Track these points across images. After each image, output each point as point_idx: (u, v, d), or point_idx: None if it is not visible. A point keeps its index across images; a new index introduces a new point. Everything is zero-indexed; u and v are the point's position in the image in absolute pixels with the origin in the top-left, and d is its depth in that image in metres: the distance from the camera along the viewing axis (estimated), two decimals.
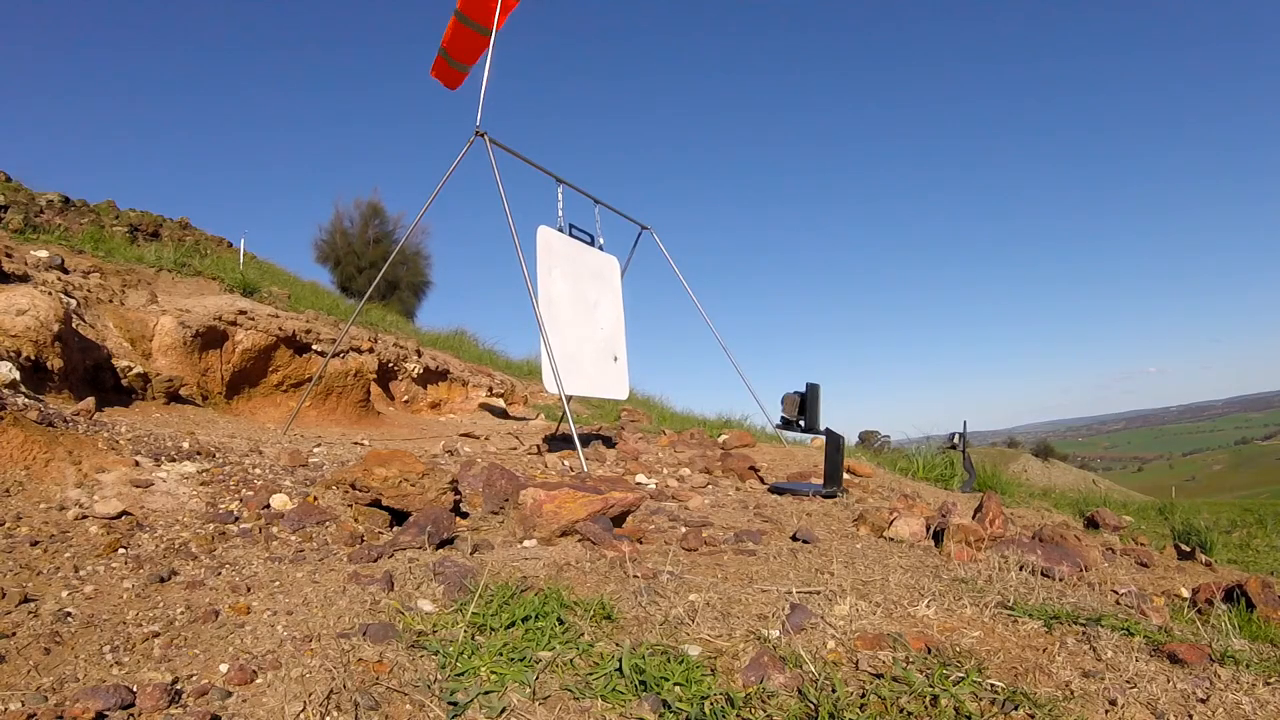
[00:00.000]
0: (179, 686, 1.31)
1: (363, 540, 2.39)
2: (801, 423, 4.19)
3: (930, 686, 1.39)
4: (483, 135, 4.69)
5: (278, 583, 1.90)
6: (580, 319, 5.26)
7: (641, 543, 2.56)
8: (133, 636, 1.51)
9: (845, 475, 4.55)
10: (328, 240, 17.05)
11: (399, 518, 2.64)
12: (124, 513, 2.25)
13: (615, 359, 5.70)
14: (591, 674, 1.44)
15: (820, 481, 4.21)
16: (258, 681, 1.34)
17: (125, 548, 2.04)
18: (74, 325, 4.26)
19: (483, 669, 1.42)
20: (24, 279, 4.59)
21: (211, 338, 5.24)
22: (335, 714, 1.25)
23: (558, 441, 5.58)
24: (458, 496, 2.80)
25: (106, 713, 1.19)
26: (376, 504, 2.64)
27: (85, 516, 2.19)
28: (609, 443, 5.66)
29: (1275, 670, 1.51)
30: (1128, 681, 1.47)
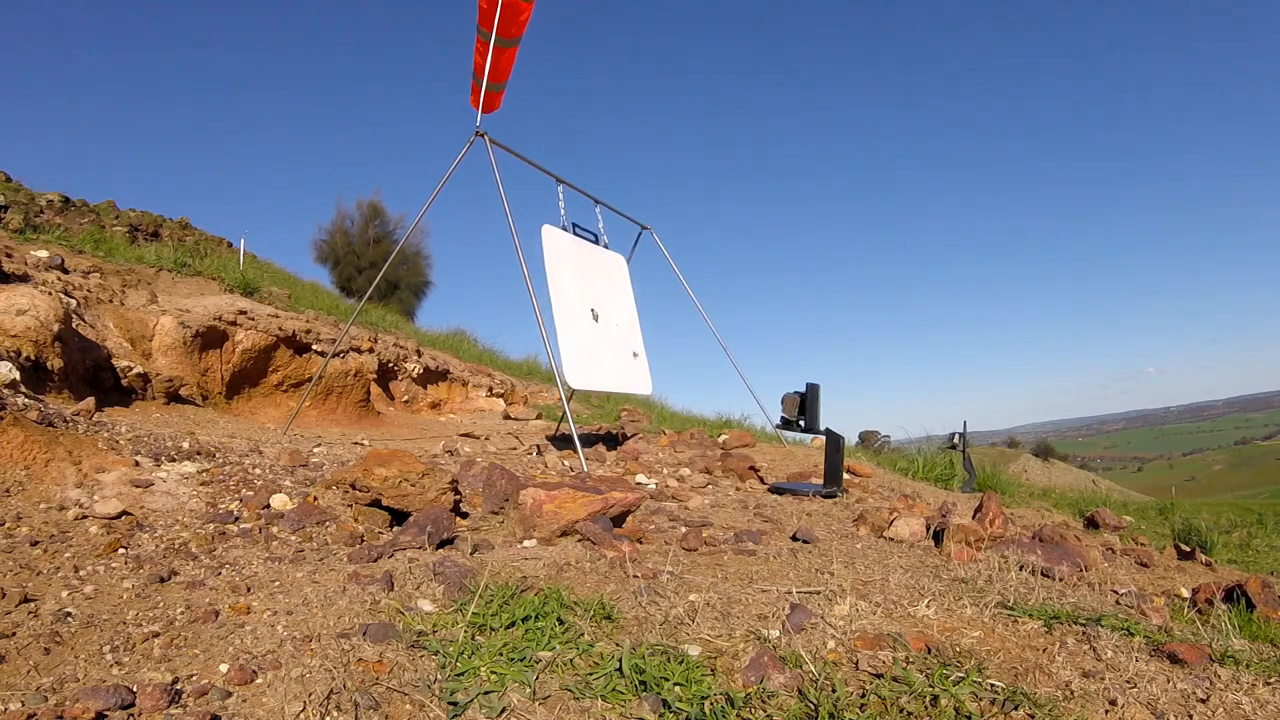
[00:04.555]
0: (179, 686, 1.31)
1: (363, 540, 2.39)
2: (801, 423, 4.19)
3: (930, 686, 1.39)
4: (483, 135, 4.70)
5: (278, 583, 1.90)
6: (594, 315, 5.24)
7: (641, 543, 2.56)
8: (133, 636, 1.51)
9: (845, 475, 4.55)
10: (328, 240, 17.07)
11: (399, 518, 2.64)
12: (124, 513, 2.25)
13: (635, 355, 5.67)
14: (591, 674, 1.44)
15: (820, 481, 4.21)
16: (258, 681, 1.34)
17: (125, 548, 2.04)
18: (74, 325, 4.26)
19: (483, 669, 1.42)
20: (24, 279, 4.59)
21: (211, 338, 5.24)
22: (335, 714, 1.25)
23: (558, 441, 5.59)
24: (458, 496, 2.80)
25: (106, 713, 1.19)
26: (376, 504, 2.64)
27: (85, 516, 2.19)
28: (609, 443, 5.66)
29: (1275, 670, 1.51)
30: (1128, 681, 1.47)
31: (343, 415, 6.19)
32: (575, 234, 5.46)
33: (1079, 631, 1.73)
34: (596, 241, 5.78)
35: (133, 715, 1.21)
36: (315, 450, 3.98)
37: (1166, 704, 1.38)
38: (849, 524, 3.24)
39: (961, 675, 1.45)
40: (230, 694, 1.29)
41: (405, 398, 8.22)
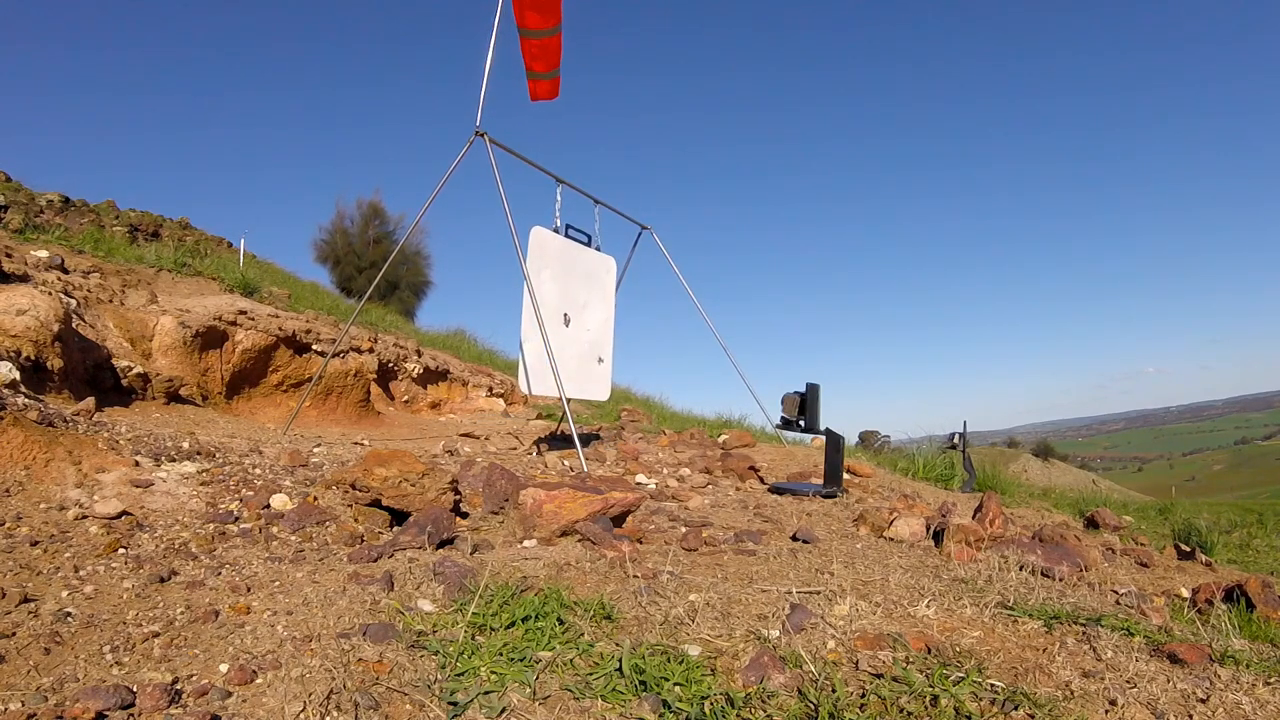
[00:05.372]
0: (179, 686, 1.31)
1: (363, 540, 2.39)
2: (801, 423, 4.19)
3: (930, 686, 1.39)
4: (483, 135, 4.69)
5: (278, 583, 1.90)
6: (565, 320, 5.26)
7: (641, 543, 2.56)
8: (133, 636, 1.51)
9: (845, 475, 4.55)
10: (328, 240, 17.07)
11: (399, 518, 2.64)
12: (124, 513, 2.25)
13: (600, 360, 5.69)
14: (591, 674, 1.44)
15: (820, 481, 4.21)
16: (258, 681, 1.34)
17: (125, 548, 2.04)
18: (74, 325, 4.26)
19: (483, 669, 1.42)
20: (24, 279, 4.59)
21: (211, 338, 5.24)
22: (335, 714, 1.25)
23: (558, 441, 5.59)
24: (458, 496, 2.80)
25: (106, 713, 1.19)
26: (376, 504, 2.64)
27: (85, 516, 2.19)
28: (609, 443, 5.66)
29: (1275, 670, 1.51)
30: (1128, 681, 1.47)
31: (343, 415, 6.19)
32: (568, 235, 5.45)
33: (1079, 631, 1.73)
34: (589, 243, 5.77)
35: (133, 715, 1.21)
36: (315, 450, 3.98)
37: (1166, 704, 1.38)
38: (849, 524, 3.24)
39: (961, 675, 1.45)
40: (230, 694, 1.29)
41: (405, 398, 8.22)
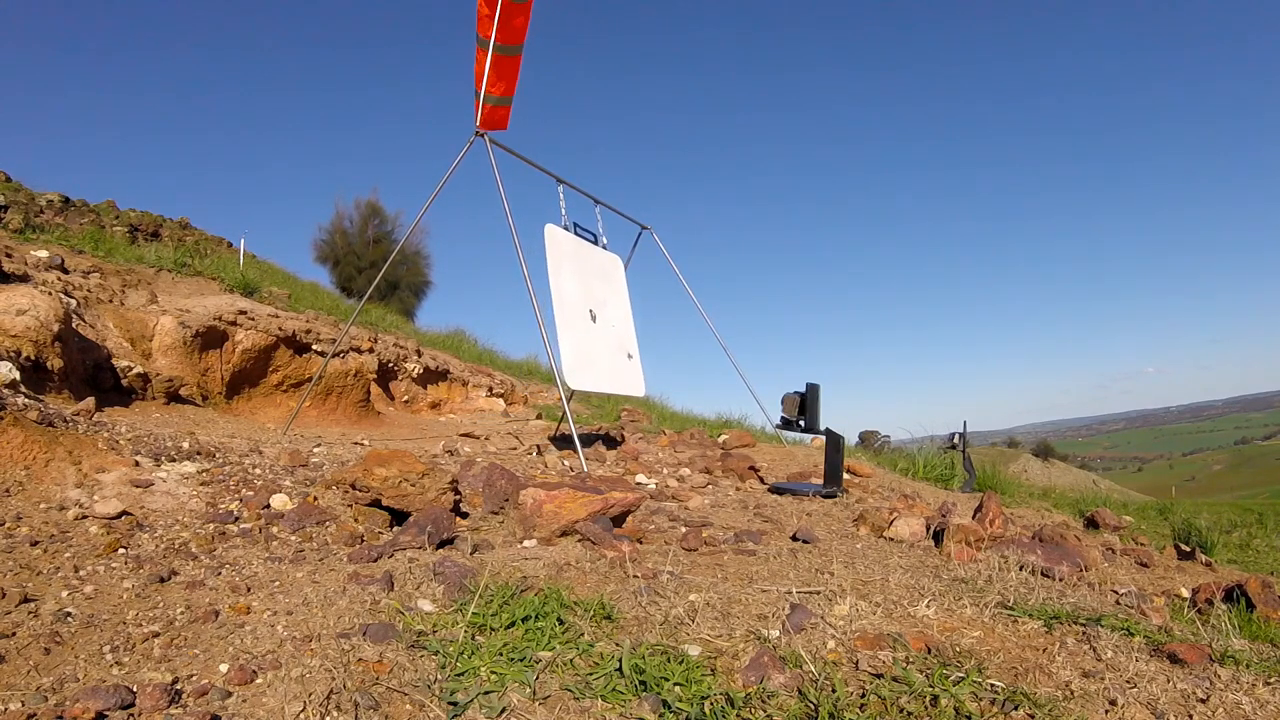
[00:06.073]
0: (179, 686, 1.31)
1: (363, 540, 2.39)
2: (801, 423, 4.20)
3: (930, 686, 1.39)
4: (483, 135, 4.70)
5: (278, 583, 1.90)
6: (592, 316, 5.25)
7: (641, 543, 2.56)
8: (133, 636, 1.51)
9: (845, 475, 4.55)
10: (327, 240, 17.07)
11: (399, 518, 2.64)
12: (124, 513, 2.25)
13: (629, 356, 5.68)
14: (591, 674, 1.43)
15: (820, 481, 4.21)
16: (258, 681, 1.34)
17: (125, 548, 2.04)
18: (74, 325, 4.26)
19: (483, 669, 1.42)
20: (24, 279, 4.59)
21: (211, 338, 5.24)
22: (335, 714, 1.25)
23: (558, 441, 5.59)
24: (458, 496, 2.80)
25: (106, 713, 1.19)
26: (376, 504, 2.64)
27: (85, 516, 2.19)
28: (609, 443, 5.66)
29: (1275, 670, 1.51)
30: (1128, 681, 1.47)
31: (343, 415, 6.19)
32: (576, 233, 5.46)
33: (1079, 631, 1.73)
34: (596, 242, 5.78)
35: (133, 715, 1.21)
36: (315, 450, 3.98)
37: (1166, 704, 1.38)
38: (849, 524, 3.24)
39: (961, 675, 1.45)
40: (230, 694, 1.29)
41: (405, 398, 8.22)
